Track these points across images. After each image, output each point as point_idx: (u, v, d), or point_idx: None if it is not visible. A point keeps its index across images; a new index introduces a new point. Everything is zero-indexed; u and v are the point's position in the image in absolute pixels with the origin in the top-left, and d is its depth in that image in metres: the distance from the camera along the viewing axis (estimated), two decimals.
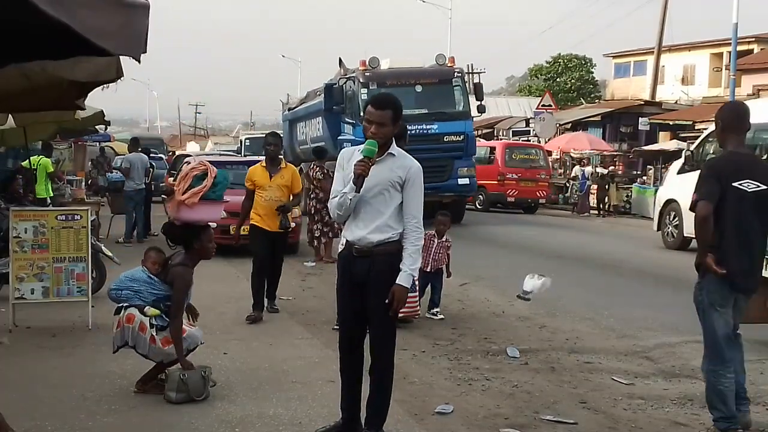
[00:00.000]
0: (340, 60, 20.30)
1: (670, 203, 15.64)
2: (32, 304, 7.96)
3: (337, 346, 4.95)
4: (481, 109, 20.13)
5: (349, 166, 4.66)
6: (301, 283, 10.95)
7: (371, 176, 4.60)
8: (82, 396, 5.68)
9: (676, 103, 34.27)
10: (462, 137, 19.12)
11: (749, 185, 4.91)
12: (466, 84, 20.00)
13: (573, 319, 8.69)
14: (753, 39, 36.32)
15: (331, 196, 4.79)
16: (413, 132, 18.01)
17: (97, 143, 25.64)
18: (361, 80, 18.90)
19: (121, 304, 5.77)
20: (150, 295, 5.77)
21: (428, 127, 18.74)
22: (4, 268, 8.10)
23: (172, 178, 16.62)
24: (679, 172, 15.28)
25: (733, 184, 4.89)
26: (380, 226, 4.62)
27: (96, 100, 10.74)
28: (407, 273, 4.58)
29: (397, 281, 4.54)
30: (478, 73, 21.04)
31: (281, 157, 9.20)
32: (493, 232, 18.62)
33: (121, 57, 5.31)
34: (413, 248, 4.63)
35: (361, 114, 17.25)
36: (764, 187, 4.94)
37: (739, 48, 28.01)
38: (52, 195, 14.58)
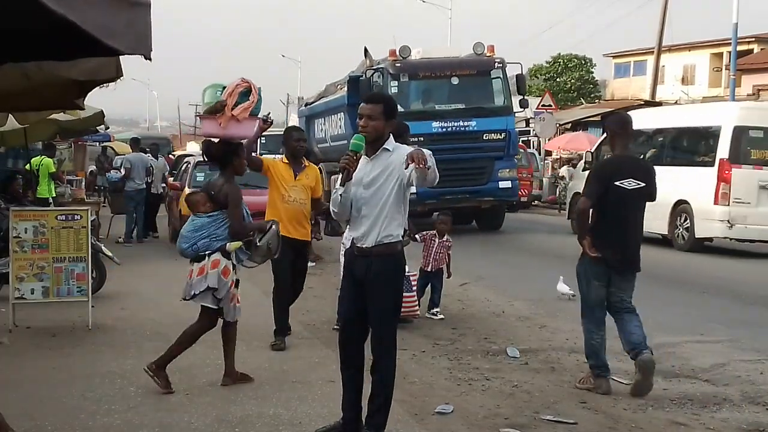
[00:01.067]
0: (366, 50, 18.33)
1: (576, 195, 16.19)
2: (32, 304, 7.96)
3: (336, 345, 4.95)
4: (524, 104, 18.16)
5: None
6: None
7: (367, 174, 4.61)
8: (82, 396, 5.67)
9: (676, 103, 34.24)
10: (503, 135, 17.20)
11: (630, 183, 5.87)
12: (507, 75, 17.78)
13: (573, 319, 8.66)
14: (753, 39, 36.34)
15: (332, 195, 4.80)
16: (448, 129, 16.75)
17: (97, 143, 25.62)
18: (390, 71, 17.05)
19: (202, 253, 5.79)
20: (222, 231, 5.82)
21: (466, 123, 16.93)
22: (4, 268, 8.11)
23: (172, 178, 16.63)
24: (583, 170, 17.27)
25: (615, 182, 5.84)
26: (379, 225, 4.61)
27: (96, 100, 10.75)
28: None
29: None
30: (519, 63, 17.90)
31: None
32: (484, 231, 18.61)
33: (120, 57, 5.33)
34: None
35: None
36: (643, 184, 5.89)
37: (739, 48, 28.02)
38: (54, 195, 14.58)
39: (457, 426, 5.21)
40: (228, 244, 5.78)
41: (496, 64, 17.40)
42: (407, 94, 17.13)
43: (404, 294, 6.77)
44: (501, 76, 17.49)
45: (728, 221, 13.72)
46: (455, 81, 17.24)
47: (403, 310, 5.95)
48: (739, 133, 13.76)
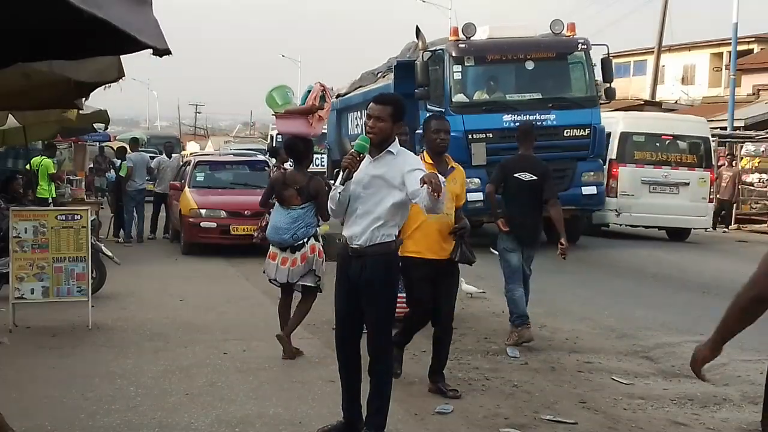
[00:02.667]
0: (418, 29, 15.22)
1: None
2: (32, 304, 7.97)
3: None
4: (611, 94, 15.00)
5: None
6: None
7: (367, 174, 4.61)
8: (82, 396, 5.68)
9: (676, 103, 34.25)
10: (587, 131, 14.41)
11: (525, 176, 7.35)
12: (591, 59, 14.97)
13: (573, 319, 8.68)
14: (753, 39, 36.31)
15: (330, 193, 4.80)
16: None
17: (97, 143, 25.60)
18: (453, 54, 14.15)
19: (300, 241, 6.69)
20: (312, 219, 6.75)
21: (543, 117, 14.09)
22: (4, 268, 8.11)
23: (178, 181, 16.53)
24: None
25: (514, 174, 7.37)
26: (375, 226, 4.61)
27: (97, 99, 10.75)
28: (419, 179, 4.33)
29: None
30: (605, 45, 15.04)
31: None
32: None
33: (120, 57, 5.34)
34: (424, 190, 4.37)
35: (452, 99, 13.93)
36: (536, 177, 7.35)
37: (739, 48, 28.00)
38: (54, 195, 14.59)
39: (457, 426, 5.21)
40: (320, 227, 6.80)
41: (580, 45, 14.63)
42: (472, 81, 14.59)
43: (399, 295, 6.94)
44: (584, 60, 14.73)
45: (616, 210, 16.22)
46: (530, 65, 14.45)
47: (399, 310, 6.18)
48: (625, 137, 16.36)
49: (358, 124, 18.91)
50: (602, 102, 15.04)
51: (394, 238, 4.71)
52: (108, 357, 6.78)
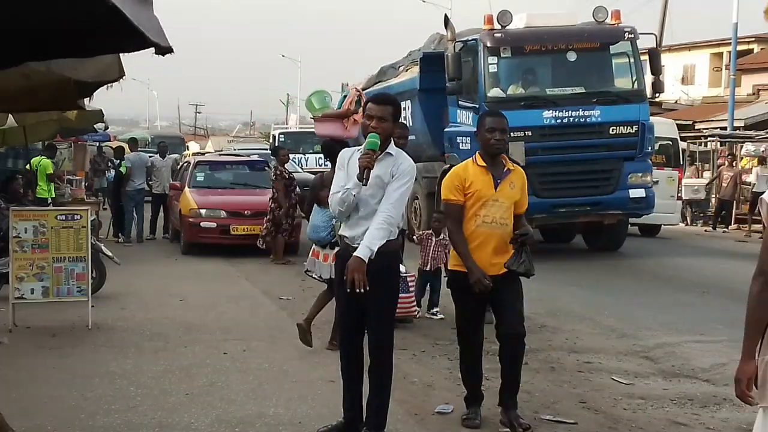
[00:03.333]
0: (447, 18, 13.84)
1: None
2: (32, 304, 7.96)
3: (336, 345, 4.96)
4: (659, 88, 13.68)
5: (351, 166, 4.65)
6: (302, 283, 10.92)
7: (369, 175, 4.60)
8: (82, 396, 5.68)
9: (676, 102, 34.23)
10: (635, 128, 12.99)
11: None
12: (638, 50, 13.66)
13: (573, 319, 8.68)
14: (753, 39, 36.28)
15: (331, 193, 4.77)
16: (564, 121, 12.69)
17: (97, 143, 25.59)
18: (488, 44, 12.81)
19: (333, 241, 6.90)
20: None
21: (587, 113, 12.80)
22: (4, 268, 8.10)
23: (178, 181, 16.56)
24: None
25: None
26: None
27: (96, 99, 10.75)
28: (364, 246, 4.45)
29: (354, 253, 4.45)
30: (653, 34, 14.03)
31: None
32: None
33: (121, 57, 5.34)
34: (375, 226, 4.49)
35: (487, 94, 12.81)
36: None
37: (739, 48, 27.99)
38: (54, 196, 14.59)
39: (457, 426, 5.21)
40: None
41: (626, 34, 13.29)
42: (509, 74, 13.28)
43: (401, 295, 7.07)
44: (631, 50, 13.40)
45: None
46: (572, 57, 13.12)
47: (400, 310, 6.50)
48: None
49: None
50: (649, 98, 13.79)
51: (396, 237, 4.72)
52: (108, 357, 6.78)
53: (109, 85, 5.73)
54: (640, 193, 13.14)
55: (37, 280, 7.78)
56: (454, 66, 12.95)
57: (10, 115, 10.02)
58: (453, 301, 5.34)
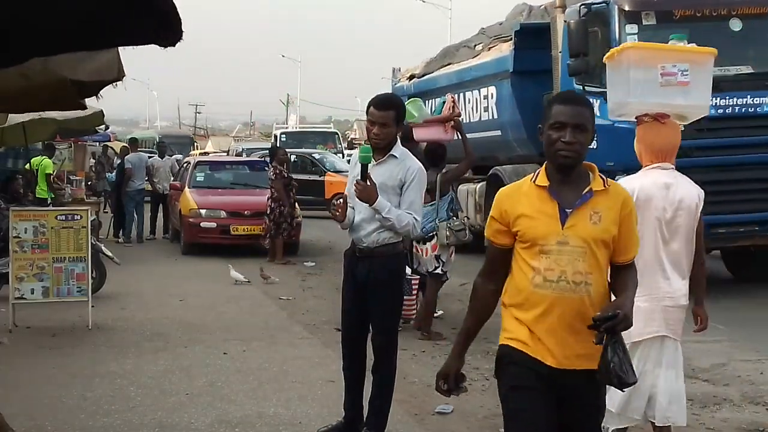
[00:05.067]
0: None
1: None
2: (32, 304, 7.96)
3: (336, 345, 4.96)
4: None
5: (355, 169, 4.68)
6: (301, 283, 10.94)
7: (373, 178, 4.59)
8: (82, 396, 5.67)
9: None
10: None
11: None
12: None
13: None
14: None
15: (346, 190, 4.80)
16: (728, 111, 9.55)
17: (97, 143, 25.59)
18: (626, 7, 9.71)
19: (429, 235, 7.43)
20: (445, 213, 7.52)
21: (758, 101, 9.60)
22: (4, 268, 8.10)
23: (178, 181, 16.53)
24: None
25: None
26: (380, 229, 4.61)
27: (95, 100, 10.74)
28: (387, 204, 4.52)
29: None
30: None
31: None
32: None
33: (120, 57, 5.33)
34: (402, 212, 4.56)
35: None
36: None
37: None
38: (53, 196, 14.58)
39: (457, 426, 5.20)
40: (451, 220, 7.48)
41: None
42: None
43: (406, 298, 7.47)
44: None
45: None
46: (737, 25, 9.89)
47: (404, 312, 7.12)
48: None
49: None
50: None
51: (401, 239, 4.72)
52: (108, 357, 6.78)
53: (113, 84, 5.72)
54: None
55: (37, 280, 7.78)
56: (578, 38, 9.66)
57: (9, 114, 10.00)
58: (500, 399, 3.23)
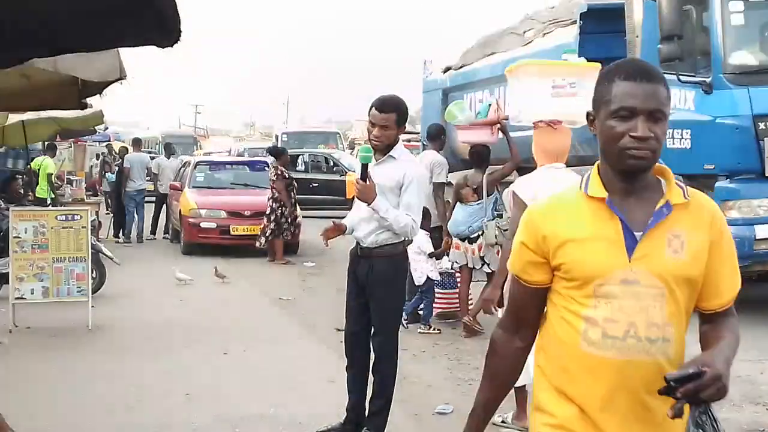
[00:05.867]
0: None
1: None
2: (32, 304, 7.95)
3: (336, 346, 4.96)
4: None
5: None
6: (302, 283, 10.94)
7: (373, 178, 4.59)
8: (82, 396, 5.67)
9: None
10: None
11: None
12: None
13: None
14: None
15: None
16: None
17: (97, 143, 25.59)
18: None
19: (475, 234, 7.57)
20: (491, 213, 7.64)
21: None
22: (4, 268, 8.09)
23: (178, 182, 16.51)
24: None
25: None
26: (379, 230, 4.61)
27: (96, 100, 10.74)
28: (384, 204, 4.52)
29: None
30: None
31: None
32: None
33: (120, 56, 5.33)
34: (400, 213, 4.54)
35: (726, 60, 7.66)
36: None
37: None
38: (53, 196, 14.58)
39: (457, 426, 5.14)
40: (495, 219, 7.52)
41: None
42: (764, 27, 8.58)
43: (447, 291, 8.11)
44: None
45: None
46: None
47: (444, 305, 8.20)
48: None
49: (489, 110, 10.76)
50: None
51: (402, 240, 4.71)
52: (108, 357, 6.77)
53: (119, 82, 5.72)
54: None
55: (37, 281, 7.77)
56: (673, 17, 7.98)
57: (9, 114, 10.00)
58: None
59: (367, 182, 4.48)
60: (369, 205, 4.49)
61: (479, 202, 7.63)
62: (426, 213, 7.64)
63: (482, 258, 7.60)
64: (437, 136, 8.88)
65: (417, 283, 7.82)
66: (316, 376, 6.18)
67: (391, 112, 4.57)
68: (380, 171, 4.59)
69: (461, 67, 13.32)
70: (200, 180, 14.91)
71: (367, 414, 4.77)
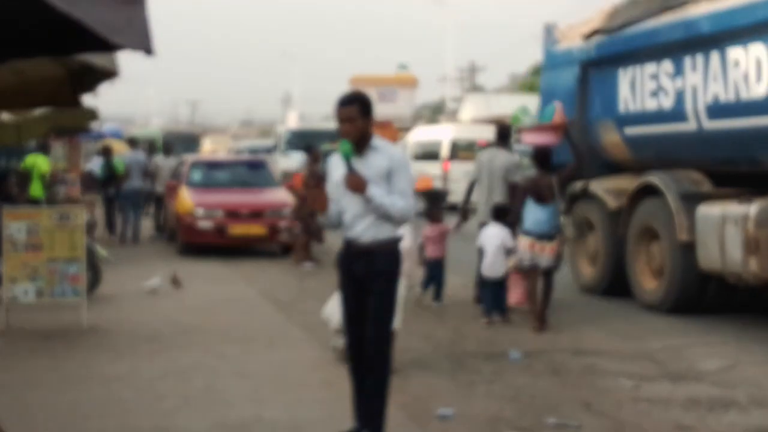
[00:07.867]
0: None
1: None
2: (26, 306, 7.86)
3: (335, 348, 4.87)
4: None
5: (336, 171, 4.66)
6: (300, 284, 10.86)
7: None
8: (77, 399, 5.60)
9: None
10: None
11: None
12: None
13: (576, 321, 8.59)
14: None
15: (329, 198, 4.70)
16: None
17: (92, 141, 25.48)
18: None
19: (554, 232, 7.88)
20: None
21: None
22: None
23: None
24: None
25: None
26: (376, 224, 4.58)
27: (91, 98, 10.64)
28: (376, 192, 4.50)
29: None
30: None
31: None
32: None
33: (116, 54, 5.25)
34: (394, 198, 4.54)
35: None
36: None
37: None
38: (44, 196, 14.45)
39: (459, 430, 5.13)
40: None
41: None
42: None
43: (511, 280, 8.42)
44: None
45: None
46: None
47: (513, 298, 8.55)
48: (454, 141, 22.38)
49: (650, 88, 8.84)
50: None
51: (398, 235, 4.71)
52: (103, 359, 6.69)
53: (111, 80, 5.67)
54: None
55: (30, 281, 7.68)
56: None
57: (2, 112, 9.90)
58: None
59: (355, 174, 4.50)
60: (363, 194, 4.48)
61: (553, 202, 7.93)
62: (508, 210, 8.28)
63: (559, 255, 7.94)
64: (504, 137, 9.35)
65: (494, 275, 8.10)
66: (314, 379, 6.11)
67: (352, 103, 4.61)
68: (364, 163, 4.59)
69: (613, 30, 9.54)
70: (197, 179, 14.74)
71: (364, 413, 4.68)
